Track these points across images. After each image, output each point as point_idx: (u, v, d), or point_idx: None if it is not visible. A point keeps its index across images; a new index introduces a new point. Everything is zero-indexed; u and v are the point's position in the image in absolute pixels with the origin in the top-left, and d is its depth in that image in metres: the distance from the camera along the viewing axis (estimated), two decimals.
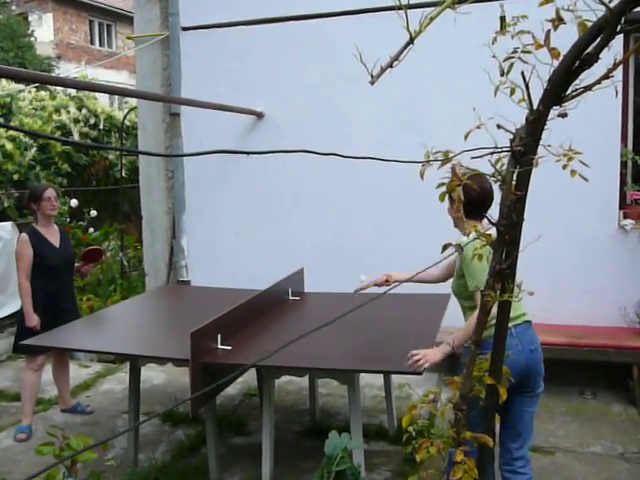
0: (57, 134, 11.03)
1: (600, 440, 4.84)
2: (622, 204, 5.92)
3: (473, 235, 2.80)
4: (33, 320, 5.15)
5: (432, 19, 1.49)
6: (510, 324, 2.57)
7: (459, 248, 2.07)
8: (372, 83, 1.55)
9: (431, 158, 2.04)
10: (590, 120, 4.84)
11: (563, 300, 5.83)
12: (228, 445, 4.93)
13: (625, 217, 5.86)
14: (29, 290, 5.18)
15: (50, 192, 5.27)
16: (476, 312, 2.71)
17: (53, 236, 5.37)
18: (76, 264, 5.67)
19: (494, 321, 2.46)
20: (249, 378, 5.89)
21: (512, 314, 2.40)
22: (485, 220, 2.61)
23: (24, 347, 4.72)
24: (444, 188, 2.04)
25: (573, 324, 5.83)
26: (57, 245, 5.34)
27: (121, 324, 5.02)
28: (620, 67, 1.83)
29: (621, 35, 1.73)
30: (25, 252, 5.16)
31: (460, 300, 3.49)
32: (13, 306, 7.31)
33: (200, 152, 1.76)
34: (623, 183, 5.93)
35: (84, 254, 5.74)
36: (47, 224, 5.36)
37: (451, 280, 3.61)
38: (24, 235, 5.22)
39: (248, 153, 1.80)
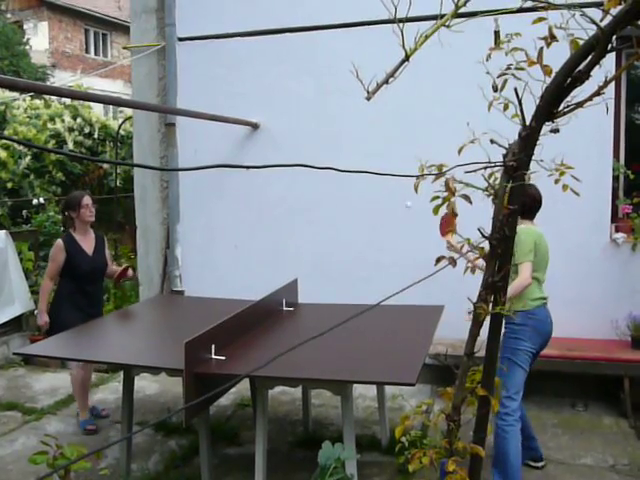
0: (51, 143, 11.04)
1: (591, 452, 4.86)
2: (614, 218, 5.96)
3: (524, 226, 4.04)
4: (42, 319, 5.38)
5: (427, 37, 1.52)
6: (542, 302, 4.24)
7: (452, 261, 2.10)
8: (368, 99, 1.58)
9: (425, 172, 2.07)
10: (582, 135, 4.89)
11: (555, 312, 5.80)
12: (221, 455, 4.93)
13: (617, 231, 5.90)
14: (48, 290, 5.43)
15: (87, 199, 5.45)
16: (517, 280, 3.96)
17: (88, 243, 5.51)
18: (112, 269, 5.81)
19: (534, 295, 4.18)
20: (242, 388, 5.89)
21: (541, 294, 4.25)
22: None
23: None
24: (438, 201, 2.07)
25: (565, 336, 5.83)
26: (90, 253, 5.49)
27: (114, 333, 5.02)
28: (613, 82, 1.87)
29: (612, 52, 1.77)
30: (57, 256, 5.38)
31: None
32: (6, 314, 7.30)
33: (200, 167, 1.78)
34: (615, 197, 5.97)
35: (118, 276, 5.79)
36: (84, 231, 5.51)
37: None
38: (60, 241, 5.42)
39: (247, 167, 1.82)
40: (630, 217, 5.90)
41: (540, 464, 4.58)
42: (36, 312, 5.74)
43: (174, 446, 5.12)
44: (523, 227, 4.07)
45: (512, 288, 3.91)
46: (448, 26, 1.57)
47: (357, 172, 2.33)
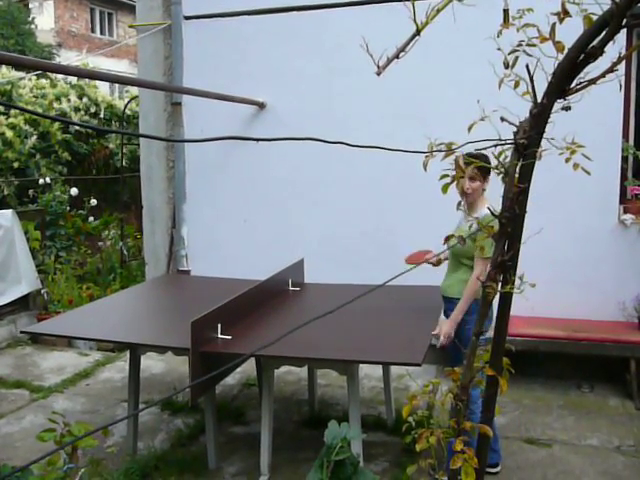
0: (57, 123, 11.01)
1: (597, 433, 4.87)
2: (622, 199, 5.91)
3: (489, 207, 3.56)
4: None
5: (439, 11, 1.49)
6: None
7: (461, 240, 2.08)
8: (378, 74, 1.56)
9: (434, 149, 2.05)
10: (591, 114, 4.83)
11: (562, 294, 5.84)
12: (227, 434, 4.95)
13: (625, 212, 5.86)
14: None
15: None
16: (471, 281, 3.80)
17: None
18: None
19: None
20: (248, 368, 5.91)
21: None
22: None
23: None
24: (447, 179, 2.05)
25: (572, 318, 5.84)
26: None
27: (121, 313, 5.03)
28: (623, 61, 1.84)
29: (624, 29, 1.74)
30: None
31: (459, 258, 4.08)
32: (13, 294, 7.33)
33: (210, 138, 1.76)
34: (624, 178, 5.93)
35: None
36: None
37: None
38: None
39: (257, 140, 1.80)
40: (639, 198, 5.86)
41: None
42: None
43: (180, 425, 5.15)
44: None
45: (471, 289, 3.87)
46: (460, 0, 1.54)
47: (367, 147, 2.31)
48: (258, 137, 2.18)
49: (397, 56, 1.54)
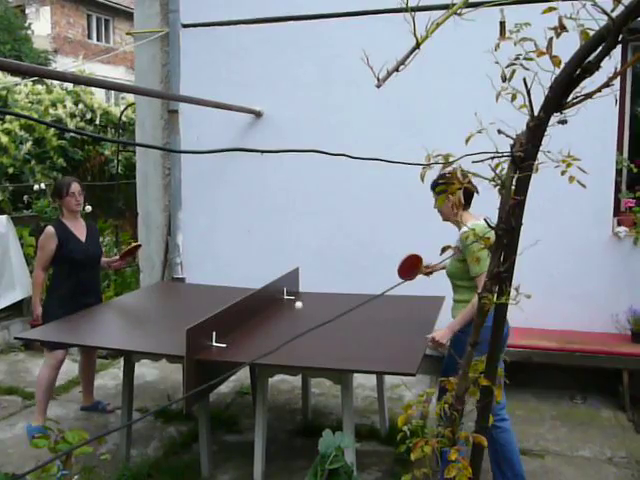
0: (52, 129, 11.00)
1: (589, 444, 4.88)
2: (616, 211, 5.95)
3: (471, 224, 3.47)
4: (36, 311, 5.18)
5: (438, 25, 1.51)
6: None
7: (457, 251, 2.10)
8: (378, 86, 1.57)
9: (432, 161, 2.06)
10: (586, 127, 4.86)
11: (556, 305, 5.86)
12: (220, 442, 4.94)
13: (619, 224, 5.89)
14: (41, 281, 5.21)
15: (75, 187, 5.19)
16: (476, 297, 3.47)
17: (79, 230, 5.28)
18: (106, 259, 5.68)
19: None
20: (242, 376, 5.91)
21: None
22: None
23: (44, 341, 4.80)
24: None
25: (565, 329, 5.87)
26: (83, 239, 5.26)
27: (115, 320, 5.03)
28: (618, 76, 1.86)
29: (620, 44, 1.76)
30: (47, 244, 5.09)
31: (454, 280, 4.01)
32: (7, 299, 7.31)
33: (214, 150, 1.77)
34: (618, 190, 5.96)
35: (124, 253, 5.68)
36: (73, 218, 5.27)
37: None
38: (50, 228, 5.14)
39: (262, 152, 1.81)
40: (632, 211, 5.90)
41: None
42: None
43: (174, 432, 5.14)
44: (479, 225, 3.34)
45: (468, 310, 3.75)
46: (460, 14, 1.56)
47: (368, 159, 2.32)
48: (255, 146, 2.19)
49: (397, 69, 1.55)
